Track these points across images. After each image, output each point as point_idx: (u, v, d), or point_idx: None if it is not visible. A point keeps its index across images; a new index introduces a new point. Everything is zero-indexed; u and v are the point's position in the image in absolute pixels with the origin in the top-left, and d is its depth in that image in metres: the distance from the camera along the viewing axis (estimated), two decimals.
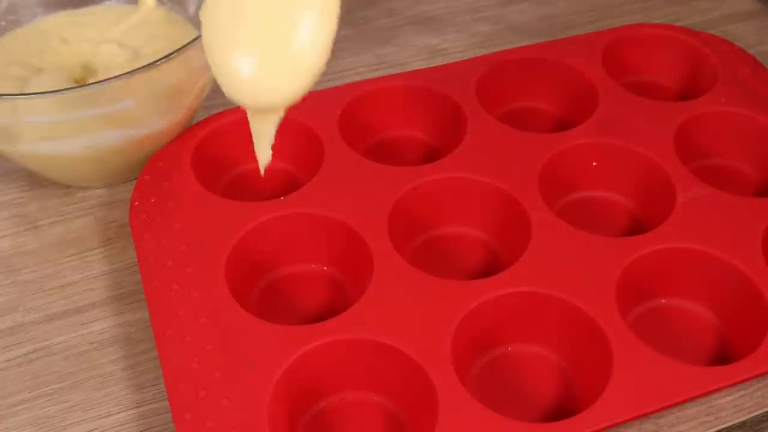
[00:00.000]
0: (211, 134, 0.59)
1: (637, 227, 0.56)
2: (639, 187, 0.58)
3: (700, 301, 0.52)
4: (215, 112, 0.60)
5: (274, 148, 0.60)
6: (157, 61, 0.51)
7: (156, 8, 0.65)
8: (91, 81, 0.58)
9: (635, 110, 0.60)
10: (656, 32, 0.68)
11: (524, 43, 0.68)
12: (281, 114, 0.41)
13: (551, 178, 0.56)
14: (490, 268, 0.53)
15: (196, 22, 0.63)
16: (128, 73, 0.50)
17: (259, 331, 0.47)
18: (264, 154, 0.42)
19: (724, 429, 0.46)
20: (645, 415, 0.44)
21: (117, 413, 0.47)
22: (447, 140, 0.60)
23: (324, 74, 0.69)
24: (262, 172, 0.43)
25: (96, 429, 0.47)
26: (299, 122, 0.59)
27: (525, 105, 0.65)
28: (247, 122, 0.59)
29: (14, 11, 0.64)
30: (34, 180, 0.60)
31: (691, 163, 0.58)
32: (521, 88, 0.65)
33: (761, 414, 0.47)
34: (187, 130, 0.59)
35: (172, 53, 0.51)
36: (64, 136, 0.53)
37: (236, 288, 0.50)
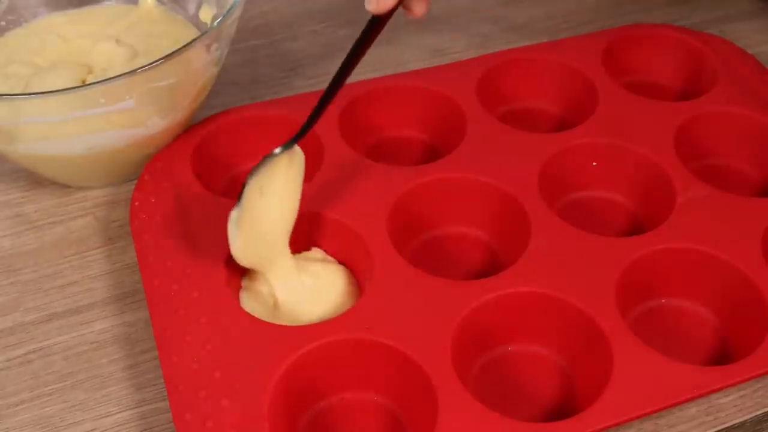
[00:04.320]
0: (211, 134, 0.59)
1: (637, 227, 0.56)
2: (639, 187, 0.58)
3: (700, 301, 0.52)
4: (215, 112, 0.60)
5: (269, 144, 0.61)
6: (157, 60, 0.51)
7: (155, 7, 0.65)
8: (90, 79, 0.58)
9: (635, 110, 0.60)
10: (656, 32, 0.68)
11: (524, 43, 0.68)
12: None
13: (551, 178, 0.56)
14: (490, 268, 0.53)
15: (195, 22, 0.64)
16: (128, 72, 0.50)
17: (259, 331, 0.47)
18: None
19: (724, 429, 0.46)
20: (645, 415, 0.44)
21: (117, 413, 0.47)
22: (447, 140, 0.60)
23: (323, 74, 0.70)
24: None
25: (96, 429, 0.47)
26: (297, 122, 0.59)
27: (525, 105, 0.65)
28: (246, 122, 0.60)
29: (14, 11, 0.64)
30: (34, 180, 0.60)
31: (691, 163, 0.57)
32: (521, 88, 0.65)
33: (761, 414, 0.47)
34: (187, 130, 0.59)
35: (172, 53, 0.51)
36: (64, 136, 0.53)
37: (236, 287, 0.51)
